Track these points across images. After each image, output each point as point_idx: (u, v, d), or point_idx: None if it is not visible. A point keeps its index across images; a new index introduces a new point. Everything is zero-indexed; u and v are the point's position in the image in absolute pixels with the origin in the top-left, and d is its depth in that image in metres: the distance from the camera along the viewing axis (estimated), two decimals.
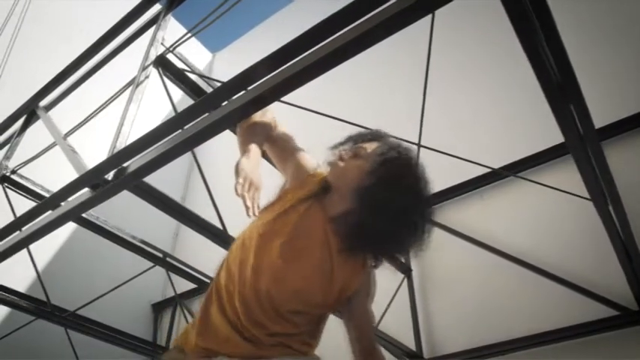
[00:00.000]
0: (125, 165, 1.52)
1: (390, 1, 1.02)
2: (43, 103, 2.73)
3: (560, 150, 2.97)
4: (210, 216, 2.17)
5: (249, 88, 1.27)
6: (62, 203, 1.66)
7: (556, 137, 2.96)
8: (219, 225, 2.00)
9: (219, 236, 1.89)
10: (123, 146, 1.61)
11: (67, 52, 2.90)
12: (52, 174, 3.27)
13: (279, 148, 1.40)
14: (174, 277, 5.04)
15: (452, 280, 3.13)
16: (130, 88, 1.87)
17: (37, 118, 2.72)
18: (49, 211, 1.63)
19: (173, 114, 1.52)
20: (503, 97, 3.49)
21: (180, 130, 1.34)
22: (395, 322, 3.00)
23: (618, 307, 2.46)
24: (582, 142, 1.50)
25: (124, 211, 3.62)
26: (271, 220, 1.21)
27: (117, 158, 1.48)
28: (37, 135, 2.82)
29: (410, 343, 3.00)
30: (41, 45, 4.65)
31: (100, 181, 1.53)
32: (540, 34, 1.18)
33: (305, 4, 6.01)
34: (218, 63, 7.04)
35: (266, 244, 1.18)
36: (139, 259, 4.35)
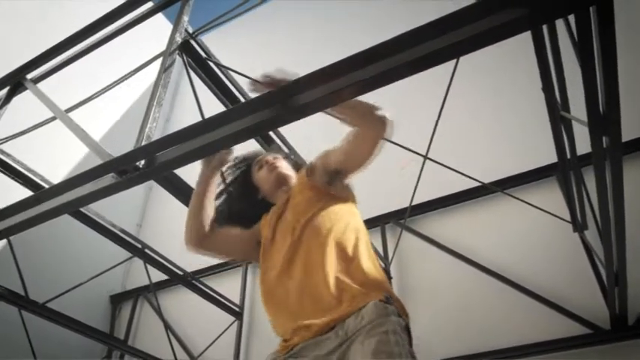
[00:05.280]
0: (158, 154, 1.44)
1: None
2: (31, 76, 2.55)
3: (546, 171, 3.12)
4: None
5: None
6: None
7: (541, 159, 3.14)
8: None
9: None
10: (152, 132, 1.54)
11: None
12: (29, 154, 3.07)
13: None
14: (132, 269, 4.90)
15: (431, 291, 3.19)
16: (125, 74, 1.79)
17: (23, 90, 2.55)
18: (67, 193, 1.52)
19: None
20: (492, 115, 3.62)
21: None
22: None
23: (592, 325, 2.61)
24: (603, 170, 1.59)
25: None
26: None
27: (154, 145, 1.41)
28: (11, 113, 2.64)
29: None
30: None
31: (130, 168, 1.45)
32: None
33: (280, 4, 6.04)
34: None
35: None
36: (101, 249, 4.18)
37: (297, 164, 1.90)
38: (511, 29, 1.14)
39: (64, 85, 2.82)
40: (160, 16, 3.69)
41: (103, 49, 2.48)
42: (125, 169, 1.47)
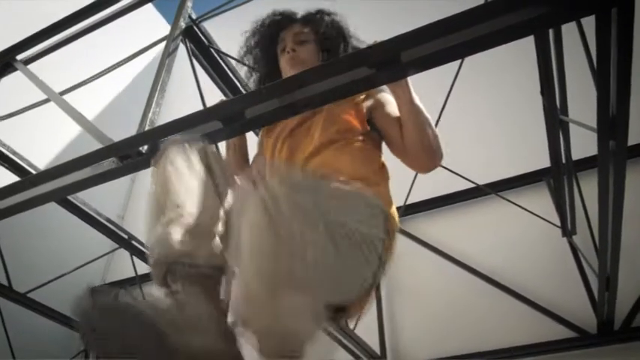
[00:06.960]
0: (162, 140, 1.40)
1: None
2: (21, 57, 2.48)
3: (537, 175, 3.14)
4: None
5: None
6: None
7: (535, 162, 3.15)
8: None
9: None
10: (155, 117, 1.50)
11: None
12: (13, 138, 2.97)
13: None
14: (112, 263, 4.80)
15: (421, 293, 3.19)
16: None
17: (12, 71, 2.47)
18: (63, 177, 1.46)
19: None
20: (488, 117, 3.64)
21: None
22: (361, 325, 2.98)
23: (579, 329, 2.65)
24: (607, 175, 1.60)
25: None
26: None
27: (158, 131, 1.36)
28: None
29: (375, 347, 3.03)
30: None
31: (132, 153, 1.41)
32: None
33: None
34: None
35: None
36: (79, 241, 4.07)
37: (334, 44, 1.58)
38: (529, 28, 1.14)
39: (47, 71, 2.73)
40: (149, 6, 3.60)
41: (91, 36, 2.42)
42: (127, 154, 1.42)
